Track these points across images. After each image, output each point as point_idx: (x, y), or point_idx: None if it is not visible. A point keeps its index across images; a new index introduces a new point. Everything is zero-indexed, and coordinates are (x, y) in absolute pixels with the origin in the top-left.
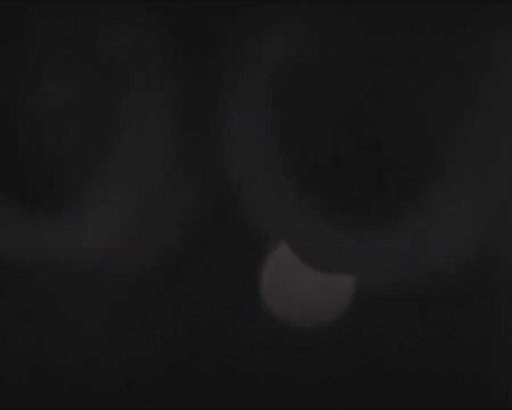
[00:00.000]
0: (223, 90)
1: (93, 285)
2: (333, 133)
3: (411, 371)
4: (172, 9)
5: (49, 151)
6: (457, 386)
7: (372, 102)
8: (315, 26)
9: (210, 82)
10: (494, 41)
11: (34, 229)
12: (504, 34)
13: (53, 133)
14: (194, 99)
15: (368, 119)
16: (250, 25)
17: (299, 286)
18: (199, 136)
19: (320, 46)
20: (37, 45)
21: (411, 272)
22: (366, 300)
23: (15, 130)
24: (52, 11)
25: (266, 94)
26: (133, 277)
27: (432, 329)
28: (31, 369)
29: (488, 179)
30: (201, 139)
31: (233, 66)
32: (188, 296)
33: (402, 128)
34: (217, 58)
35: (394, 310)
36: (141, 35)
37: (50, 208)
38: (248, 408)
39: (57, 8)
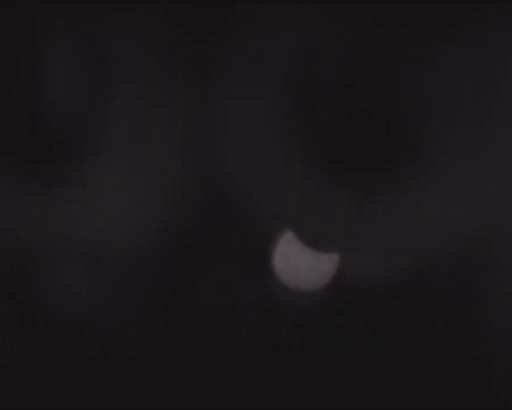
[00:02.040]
0: (224, 84)
1: (91, 271)
2: (331, 120)
3: (400, 360)
4: (172, 8)
5: (49, 143)
6: (441, 374)
7: (372, 96)
8: (316, 22)
9: (211, 76)
10: (493, 41)
11: (35, 209)
12: (504, 34)
13: (53, 127)
14: (195, 93)
15: (367, 111)
16: (251, 23)
17: (301, 261)
18: (200, 129)
19: (321, 42)
20: (38, 44)
21: (401, 256)
22: (353, 281)
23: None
24: (52, 11)
25: (267, 88)
26: (134, 266)
27: (420, 314)
28: (32, 367)
29: (483, 172)
30: (203, 132)
31: (233, 62)
32: (193, 285)
33: (401, 117)
34: (217, 53)
35: (381, 293)
36: (142, 33)
37: (51, 191)
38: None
39: (58, 7)
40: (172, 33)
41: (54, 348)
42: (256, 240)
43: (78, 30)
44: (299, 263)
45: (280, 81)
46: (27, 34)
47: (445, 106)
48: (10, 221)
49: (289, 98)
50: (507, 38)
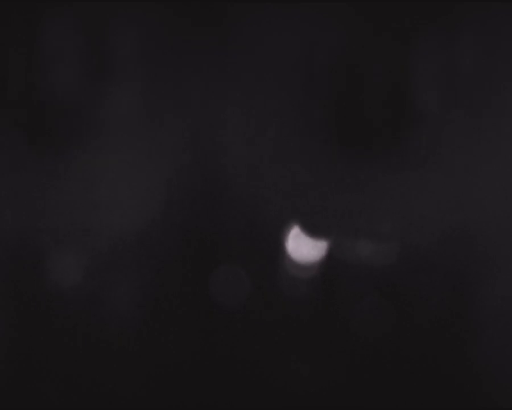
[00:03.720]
0: (225, 77)
1: (88, 258)
2: (329, 111)
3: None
4: (172, 6)
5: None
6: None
7: (371, 87)
8: (316, 17)
9: (212, 68)
10: (492, 40)
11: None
12: (504, 34)
13: (52, 114)
14: (195, 87)
15: (364, 101)
16: (252, 17)
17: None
18: (201, 124)
19: (320, 36)
20: (41, 43)
21: (398, 243)
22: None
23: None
24: (55, 9)
25: (268, 81)
26: (135, 253)
27: (415, 304)
28: (30, 359)
29: (483, 163)
30: (204, 127)
31: (234, 56)
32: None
33: (399, 106)
34: (218, 47)
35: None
36: (141, 25)
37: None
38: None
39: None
40: (172, 27)
41: (54, 340)
42: (260, 231)
43: (78, 21)
44: (302, 251)
45: (280, 74)
46: (29, 16)
47: (445, 99)
48: (9, 204)
49: (290, 91)
50: (507, 37)
